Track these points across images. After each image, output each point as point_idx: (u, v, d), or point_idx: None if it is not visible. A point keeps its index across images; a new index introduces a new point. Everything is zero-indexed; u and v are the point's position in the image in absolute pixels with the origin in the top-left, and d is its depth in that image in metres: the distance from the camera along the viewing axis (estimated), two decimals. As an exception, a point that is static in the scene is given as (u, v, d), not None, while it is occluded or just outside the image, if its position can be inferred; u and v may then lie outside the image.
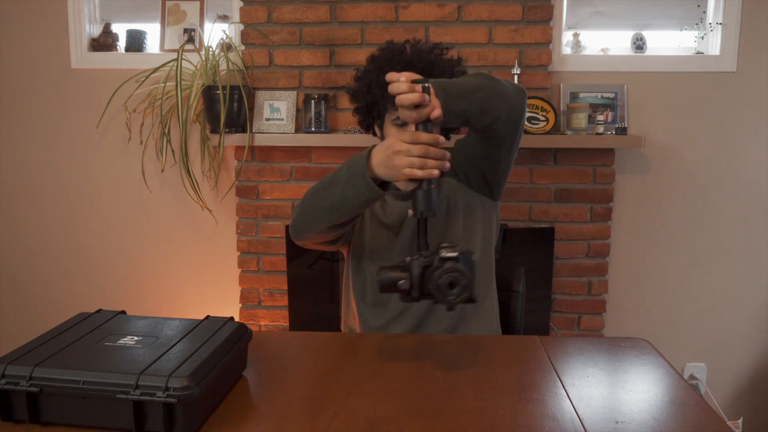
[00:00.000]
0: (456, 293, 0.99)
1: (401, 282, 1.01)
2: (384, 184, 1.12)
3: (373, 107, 1.38)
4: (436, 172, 1.01)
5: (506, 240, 2.27)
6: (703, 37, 2.38)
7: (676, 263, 2.46)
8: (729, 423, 2.36)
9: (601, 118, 2.27)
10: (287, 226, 2.37)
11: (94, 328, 1.00)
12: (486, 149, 1.32)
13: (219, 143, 2.23)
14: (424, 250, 1.02)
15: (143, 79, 2.32)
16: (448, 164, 1.03)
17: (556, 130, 2.27)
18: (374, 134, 1.45)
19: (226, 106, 2.18)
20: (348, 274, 1.47)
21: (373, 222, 1.41)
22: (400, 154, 1.02)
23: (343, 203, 1.16)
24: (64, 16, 2.44)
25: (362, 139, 2.21)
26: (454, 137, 1.61)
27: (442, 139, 1.02)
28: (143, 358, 0.88)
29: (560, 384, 1.03)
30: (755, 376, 2.51)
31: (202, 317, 1.07)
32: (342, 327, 1.55)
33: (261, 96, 2.31)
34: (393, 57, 1.34)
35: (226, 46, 2.33)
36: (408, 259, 1.01)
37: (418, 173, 1.01)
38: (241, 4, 2.30)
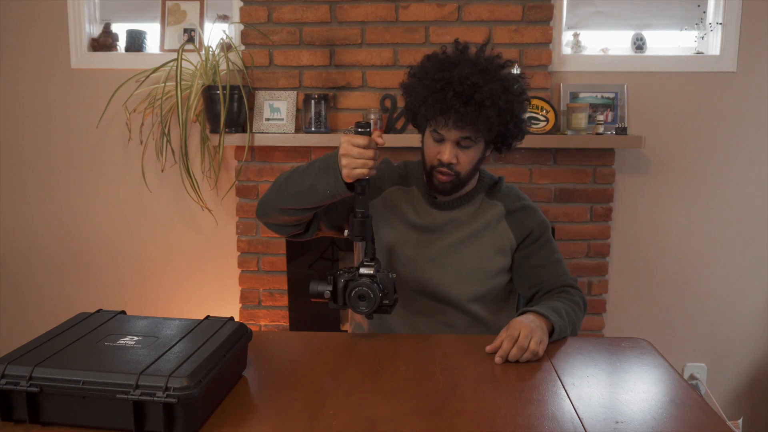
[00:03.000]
0: (365, 305, 1.18)
1: (326, 293, 1.20)
2: (351, 186, 1.19)
3: (416, 112, 1.37)
4: (364, 170, 1.14)
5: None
6: (703, 37, 2.38)
7: (676, 263, 2.46)
8: (729, 423, 2.36)
9: (601, 118, 2.27)
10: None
11: (94, 328, 1.00)
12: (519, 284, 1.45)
13: (219, 143, 2.23)
14: (368, 259, 1.20)
15: (143, 79, 2.32)
16: (370, 164, 1.16)
17: (556, 130, 2.27)
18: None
19: (226, 106, 2.18)
20: None
21: (401, 224, 1.41)
22: (345, 156, 1.15)
23: (310, 192, 1.22)
24: (64, 16, 2.44)
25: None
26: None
27: (373, 141, 1.16)
28: (143, 358, 0.88)
29: (560, 384, 1.03)
30: (755, 376, 2.51)
31: (202, 317, 1.07)
32: (348, 320, 1.55)
33: (261, 96, 2.31)
34: (437, 72, 1.30)
35: (226, 46, 2.32)
36: (337, 272, 1.20)
37: (355, 173, 1.15)
38: (241, 4, 2.30)
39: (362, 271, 1.19)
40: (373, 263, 1.20)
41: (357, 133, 1.14)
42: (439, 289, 1.37)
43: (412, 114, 1.40)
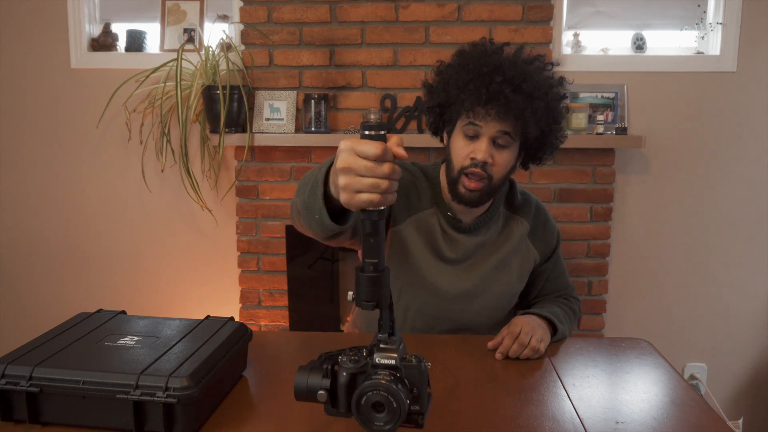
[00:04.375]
0: (384, 420, 0.71)
1: (320, 393, 0.74)
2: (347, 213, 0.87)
3: (446, 108, 1.25)
4: (373, 197, 0.68)
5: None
6: (703, 37, 2.38)
7: (676, 263, 2.46)
8: (729, 423, 2.36)
9: (601, 118, 2.27)
10: (287, 226, 2.37)
11: (94, 328, 1.00)
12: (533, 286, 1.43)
13: (219, 143, 2.23)
14: (385, 335, 0.75)
15: (143, 79, 2.32)
16: (384, 186, 0.68)
17: (556, 130, 2.27)
18: (441, 140, 1.33)
19: (226, 106, 2.18)
20: None
21: (431, 254, 1.30)
22: (345, 172, 0.69)
23: (307, 211, 0.93)
24: (64, 16, 2.44)
25: (362, 139, 2.20)
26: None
27: (390, 153, 0.69)
28: (143, 358, 0.88)
29: (560, 384, 1.03)
30: (755, 376, 2.51)
31: (202, 317, 1.07)
32: (349, 325, 1.54)
33: (261, 96, 2.31)
34: (483, 57, 1.19)
35: (226, 46, 2.32)
36: (338, 357, 0.75)
37: (359, 200, 0.69)
38: (241, 4, 2.30)
39: (378, 359, 0.72)
40: (394, 346, 0.73)
41: (365, 137, 0.68)
42: (464, 318, 1.33)
43: (438, 111, 1.26)
